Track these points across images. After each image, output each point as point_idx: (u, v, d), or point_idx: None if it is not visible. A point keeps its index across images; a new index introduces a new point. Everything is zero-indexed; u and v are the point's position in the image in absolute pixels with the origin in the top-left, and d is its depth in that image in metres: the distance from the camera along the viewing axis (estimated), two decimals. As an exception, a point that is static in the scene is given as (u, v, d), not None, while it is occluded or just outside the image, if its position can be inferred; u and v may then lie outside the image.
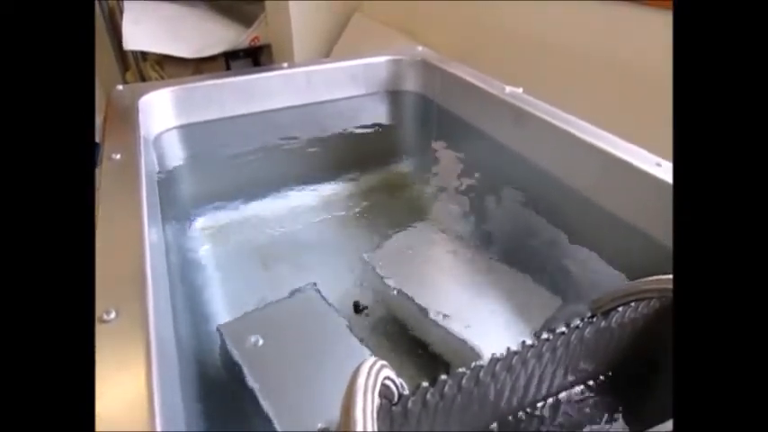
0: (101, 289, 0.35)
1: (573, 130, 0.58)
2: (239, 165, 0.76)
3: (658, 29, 0.76)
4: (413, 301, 0.55)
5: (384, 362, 0.27)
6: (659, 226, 0.48)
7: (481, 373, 0.34)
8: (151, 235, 0.42)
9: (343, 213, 0.74)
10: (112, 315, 0.32)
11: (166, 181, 0.67)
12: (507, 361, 0.35)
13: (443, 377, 0.32)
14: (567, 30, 0.92)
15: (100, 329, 0.31)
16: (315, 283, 0.54)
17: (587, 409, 0.40)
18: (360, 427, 0.23)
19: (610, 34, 0.84)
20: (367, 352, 0.47)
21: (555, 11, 0.93)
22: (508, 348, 0.34)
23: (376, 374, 0.25)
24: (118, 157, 0.53)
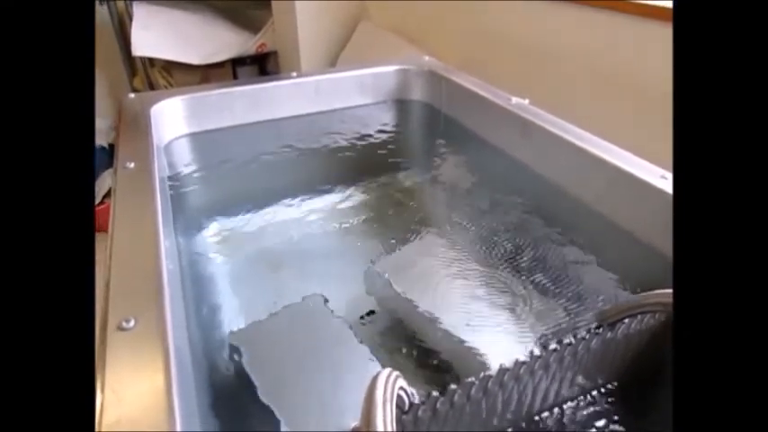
0: (119, 297, 0.36)
1: (578, 142, 0.58)
2: (249, 172, 0.77)
3: (665, 42, 0.77)
4: (420, 308, 0.55)
5: (398, 372, 0.28)
6: (665, 238, 0.49)
7: (490, 383, 0.34)
8: (165, 243, 0.43)
9: (351, 221, 0.75)
10: (131, 323, 0.33)
11: (178, 188, 0.68)
12: (515, 371, 0.35)
13: (453, 386, 0.32)
14: (574, 42, 0.93)
15: (119, 337, 0.32)
16: (323, 295, 0.55)
17: (593, 420, 0.41)
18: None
19: (616, 47, 0.85)
20: (375, 361, 0.48)
21: (562, 23, 0.94)
22: (516, 358, 0.35)
23: (392, 385, 0.26)
24: (131, 165, 0.54)
